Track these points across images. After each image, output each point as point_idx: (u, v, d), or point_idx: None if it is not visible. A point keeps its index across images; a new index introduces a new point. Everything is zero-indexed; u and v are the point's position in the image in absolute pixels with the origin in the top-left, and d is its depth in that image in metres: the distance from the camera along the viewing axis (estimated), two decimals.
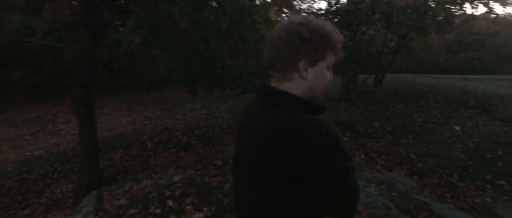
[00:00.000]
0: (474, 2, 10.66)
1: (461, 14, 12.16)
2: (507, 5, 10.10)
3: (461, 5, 11.16)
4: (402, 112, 7.31)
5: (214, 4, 2.74)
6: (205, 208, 2.75)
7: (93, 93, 4.10)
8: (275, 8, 2.37)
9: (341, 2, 8.76)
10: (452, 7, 11.32)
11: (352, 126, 6.93)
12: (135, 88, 13.68)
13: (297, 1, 11.20)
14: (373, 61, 12.01)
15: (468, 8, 11.00)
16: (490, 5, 10.34)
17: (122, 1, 5.20)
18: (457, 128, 5.97)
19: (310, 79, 0.85)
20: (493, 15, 11.36)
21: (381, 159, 4.69)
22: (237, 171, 0.99)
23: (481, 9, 10.19)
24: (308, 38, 0.81)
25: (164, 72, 3.16)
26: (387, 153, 4.93)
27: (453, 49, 34.41)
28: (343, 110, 8.54)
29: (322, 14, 10.42)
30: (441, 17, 11.37)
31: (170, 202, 2.87)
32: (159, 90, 13.75)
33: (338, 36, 0.86)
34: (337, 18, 9.49)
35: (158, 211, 2.79)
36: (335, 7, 10.00)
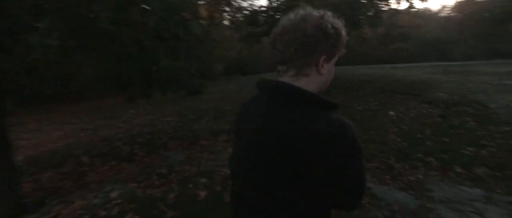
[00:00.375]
0: None
1: (388, 9, 13.32)
2: (425, 0, 11.26)
3: (387, 0, 12.23)
4: (344, 103, 7.71)
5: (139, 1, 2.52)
6: None
7: (11, 106, 3.54)
8: (207, 6, 2.24)
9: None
10: (380, 3, 12.34)
11: None
12: (68, 98, 12.41)
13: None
14: None
15: (393, 3, 12.12)
16: (410, 0, 11.48)
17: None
18: (392, 113, 6.47)
19: (325, 74, 0.87)
20: (413, 9, 12.56)
21: None
22: (241, 171, 0.94)
23: (404, 4, 11.19)
24: (331, 34, 0.83)
25: (89, 78, 2.82)
26: None
27: (383, 41, 37.81)
28: None
29: (263, 12, 10.57)
30: (372, 13, 12.34)
31: None
32: (97, 98, 12.66)
33: (345, 33, 0.89)
34: (278, 15, 9.69)
35: None
36: (275, 4, 10.20)
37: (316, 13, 0.85)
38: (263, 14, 10.46)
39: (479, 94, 7.05)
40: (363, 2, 11.25)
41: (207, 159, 4.40)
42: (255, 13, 10.23)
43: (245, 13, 11.60)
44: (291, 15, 0.87)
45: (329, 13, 0.87)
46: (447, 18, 36.10)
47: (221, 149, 4.88)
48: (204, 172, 3.76)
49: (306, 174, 0.79)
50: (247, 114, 0.94)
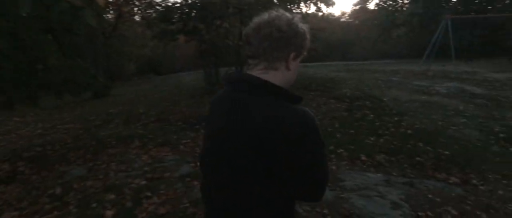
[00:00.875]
0: (308, 2, 12.73)
1: (299, 13, 14.29)
2: (330, 5, 12.44)
3: (298, 4, 13.09)
4: None
5: None
6: None
7: None
8: None
9: None
10: (291, 6, 13.11)
11: None
12: None
13: None
14: (232, 54, 12.66)
15: (303, 7, 13.04)
16: (318, 5, 12.53)
17: None
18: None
19: (292, 71, 0.93)
20: (320, 13, 13.76)
21: None
22: (210, 167, 0.95)
23: (312, 8, 12.15)
24: (301, 33, 0.90)
25: None
26: None
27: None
28: (208, 104, 8.50)
29: (178, 8, 10.04)
30: None
31: None
32: None
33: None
34: (193, 12, 9.33)
35: None
36: (190, 1, 9.81)
37: (287, 14, 0.91)
38: (178, 11, 9.95)
39: (375, 90, 8.10)
40: (275, 3, 11.80)
41: (116, 170, 3.86)
42: (169, 10, 9.64)
43: (158, 9, 10.86)
44: (265, 15, 0.91)
45: (298, 16, 0.93)
46: (347, 23, 40.99)
47: (133, 157, 4.37)
48: (112, 186, 3.28)
49: (276, 166, 0.82)
50: (215, 108, 0.97)
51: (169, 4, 10.41)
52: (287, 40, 0.88)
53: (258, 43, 0.88)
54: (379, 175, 3.75)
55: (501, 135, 4.70)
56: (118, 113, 7.72)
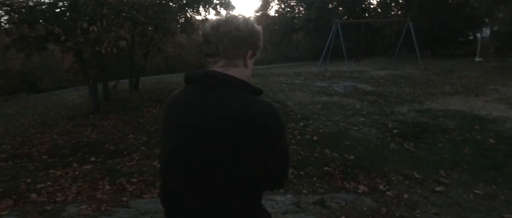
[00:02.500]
0: (207, 6, 12.07)
1: (200, 18, 13.57)
2: (230, 10, 12.06)
3: (197, 9, 12.30)
4: (157, 116, 6.78)
5: None
6: None
7: None
8: None
9: None
10: (189, 9, 12.23)
11: (101, 145, 5.59)
12: None
13: None
14: (121, 63, 11.02)
15: (202, 11, 12.33)
16: (218, 9, 12.01)
17: None
18: None
19: (249, 68, 0.95)
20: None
21: (131, 184, 3.76)
22: (176, 164, 0.92)
23: (212, 12, 11.56)
24: (256, 31, 0.94)
25: None
26: (139, 171, 4.08)
27: (200, 48, 39.94)
28: (91, 127, 6.96)
29: (42, 9, 8.00)
30: (183, 20, 12.06)
31: None
32: None
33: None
34: (65, 12, 7.52)
35: None
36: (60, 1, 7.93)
37: (243, 15, 0.95)
38: (45, 13, 7.93)
39: (279, 94, 7.92)
40: (171, 6, 10.75)
41: None
42: (32, 10, 7.55)
43: (15, 10, 8.50)
44: (221, 16, 0.94)
45: (252, 17, 1.08)
46: None
47: None
48: None
49: (245, 156, 0.83)
50: (178, 106, 0.95)
51: (31, 4, 8.26)
52: (245, 38, 0.91)
53: (217, 41, 0.90)
54: (288, 196, 3.24)
55: (395, 131, 4.86)
56: None
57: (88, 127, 7.03)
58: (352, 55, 15.29)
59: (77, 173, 4.29)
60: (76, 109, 9.35)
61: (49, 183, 3.97)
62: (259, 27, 0.95)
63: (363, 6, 26.65)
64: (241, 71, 0.92)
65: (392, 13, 24.33)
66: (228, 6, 11.72)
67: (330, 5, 25.45)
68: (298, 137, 4.79)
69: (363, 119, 5.69)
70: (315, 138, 4.68)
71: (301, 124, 5.41)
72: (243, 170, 0.83)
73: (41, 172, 4.42)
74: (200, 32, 0.96)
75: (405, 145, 4.35)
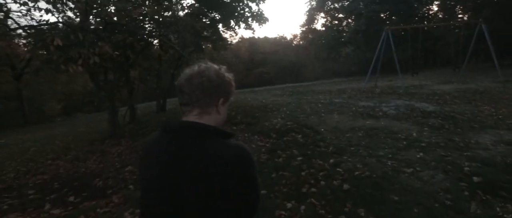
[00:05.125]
0: (237, 21, 11.24)
1: (231, 35, 12.87)
2: (262, 23, 11.10)
3: (228, 23, 11.55)
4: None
5: None
6: None
7: None
8: None
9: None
10: (221, 28, 11.51)
11: (92, 179, 4.82)
12: None
13: None
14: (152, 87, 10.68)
15: (233, 26, 11.53)
16: (249, 23, 11.12)
17: None
18: None
19: (222, 113, 1.05)
20: (271, 37, 12.44)
21: None
22: (155, 206, 0.98)
23: (242, 27, 10.63)
24: (227, 81, 1.04)
25: None
26: None
27: (248, 66, 39.89)
28: (99, 153, 6.34)
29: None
30: (215, 37, 11.42)
31: None
32: None
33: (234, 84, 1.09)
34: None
35: None
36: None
37: (215, 66, 1.04)
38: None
39: (312, 117, 6.50)
40: (203, 22, 10.18)
41: None
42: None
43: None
44: (195, 67, 1.02)
45: (224, 67, 1.06)
46: (297, 45, 41.20)
47: None
48: None
49: (220, 194, 0.89)
50: (154, 152, 1.00)
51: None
52: (216, 87, 1.00)
53: (190, 91, 0.99)
54: None
55: (475, 179, 3.14)
56: None
57: (95, 154, 6.44)
58: (408, 68, 13.08)
59: None
60: (101, 132, 9.02)
61: None
62: (230, 76, 1.05)
63: (421, 13, 23.47)
64: (214, 118, 1.02)
65: (458, 18, 21.13)
66: (261, 18, 10.76)
67: (382, 14, 23.14)
68: (322, 183, 3.37)
69: (421, 154, 4.02)
70: (346, 186, 3.21)
71: (331, 161, 3.96)
72: (217, 209, 0.91)
73: (5, 216, 3.70)
74: (176, 83, 1.03)
75: (497, 208, 2.64)
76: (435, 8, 24.48)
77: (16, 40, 7.96)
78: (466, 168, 3.39)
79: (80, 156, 6.58)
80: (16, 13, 6.41)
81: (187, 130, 0.96)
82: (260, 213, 2.90)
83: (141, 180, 1.04)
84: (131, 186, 4.30)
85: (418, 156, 3.95)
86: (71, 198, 4.17)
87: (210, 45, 11.88)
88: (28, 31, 6.21)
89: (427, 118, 6.02)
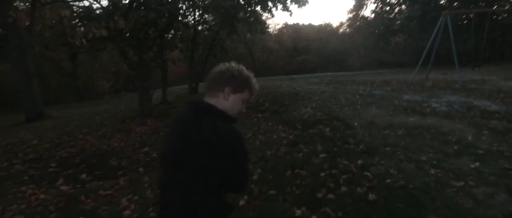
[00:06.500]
0: (275, 2, 10.58)
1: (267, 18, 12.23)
2: (302, 4, 10.33)
3: (265, 8, 10.92)
4: None
5: None
6: None
7: None
8: None
9: None
10: (259, 9, 10.95)
11: (109, 158, 4.78)
12: None
13: None
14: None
15: (271, 7, 10.91)
16: (287, 5, 10.42)
17: None
18: None
19: (229, 102, 1.23)
20: (318, 23, 11.71)
21: None
22: (166, 166, 1.21)
23: (279, 8, 9.98)
24: (235, 75, 1.23)
25: None
26: (97, 213, 2.87)
27: (291, 53, 38.86)
28: (124, 132, 6.36)
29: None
30: (252, 18, 10.91)
31: None
32: None
33: (255, 82, 1.27)
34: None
35: None
36: None
37: (234, 65, 1.26)
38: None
39: (346, 109, 5.80)
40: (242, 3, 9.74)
41: None
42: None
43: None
44: (221, 65, 1.26)
45: (239, 65, 1.26)
46: (344, 33, 39.01)
47: None
48: None
49: (216, 164, 1.09)
50: (175, 122, 1.25)
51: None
52: (224, 78, 1.22)
53: (208, 80, 1.25)
54: None
55: None
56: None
57: (121, 132, 6.47)
58: (469, 60, 11.42)
59: (42, 196, 3.42)
60: (135, 111, 9.18)
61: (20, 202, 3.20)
62: (243, 73, 1.24)
63: None
64: (221, 103, 1.21)
65: None
66: (299, 0, 9.99)
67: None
68: (343, 188, 2.81)
69: (477, 163, 3.23)
70: (372, 195, 2.62)
71: (359, 162, 3.35)
72: (212, 174, 1.10)
73: (21, 187, 3.73)
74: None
75: None
76: None
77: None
78: None
79: (108, 133, 6.68)
80: None
81: (198, 107, 1.19)
82: (263, 217, 2.47)
83: (164, 144, 1.27)
84: (141, 169, 4.13)
85: (473, 166, 3.17)
86: (84, 176, 4.13)
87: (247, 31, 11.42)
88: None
89: (488, 119, 5.01)
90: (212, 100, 1.21)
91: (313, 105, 6.22)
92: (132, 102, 12.83)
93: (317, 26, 44.91)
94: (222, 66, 1.24)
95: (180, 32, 7.53)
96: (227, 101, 1.20)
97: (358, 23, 30.59)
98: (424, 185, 2.78)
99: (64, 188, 3.70)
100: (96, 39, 7.10)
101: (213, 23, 10.13)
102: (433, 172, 3.04)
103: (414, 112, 5.43)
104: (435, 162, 3.28)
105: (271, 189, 2.94)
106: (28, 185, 3.83)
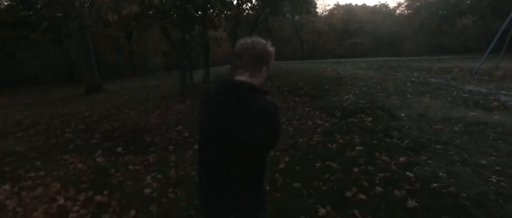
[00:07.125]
0: None
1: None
2: None
3: None
4: None
5: None
6: None
7: None
8: None
9: None
10: None
11: (145, 134, 4.91)
12: None
13: None
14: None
15: None
16: None
17: None
18: None
19: (264, 77, 1.36)
20: (373, 3, 10.85)
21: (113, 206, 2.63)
22: (209, 137, 1.34)
23: None
24: (269, 53, 1.32)
25: None
26: (123, 190, 2.92)
27: (341, 36, 36.86)
28: (163, 109, 6.53)
29: None
30: None
31: None
32: None
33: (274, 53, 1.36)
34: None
35: None
36: None
37: (262, 40, 1.31)
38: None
39: (392, 97, 5.23)
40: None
41: None
42: None
43: None
44: (248, 40, 1.30)
45: (269, 42, 1.32)
46: (401, 14, 35.76)
47: None
48: None
49: (256, 129, 1.22)
50: (213, 99, 1.32)
51: None
52: (261, 58, 1.30)
53: (246, 59, 1.29)
54: None
55: None
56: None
57: (161, 109, 6.67)
58: None
59: (79, 165, 3.61)
60: (176, 89, 9.44)
61: (41, 173, 3.41)
62: (271, 49, 1.32)
63: None
64: (258, 80, 1.32)
65: None
66: None
67: None
68: (378, 189, 2.46)
69: None
70: (411, 202, 2.25)
71: (401, 160, 2.94)
72: (254, 138, 1.23)
73: (55, 158, 3.99)
74: (235, 50, 1.34)
75: None
76: None
77: None
78: None
79: (149, 108, 6.94)
80: None
81: (241, 86, 1.28)
82: (282, 214, 2.26)
83: (200, 120, 1.37)
84: (171, 147, 4.16)
85: None
86: (119, 149, 4.29)
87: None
88: None
89: None
90: (251, 79, 1.30)
91: (356, 91, 5.72)
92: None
93: (371, 7, 41.72)
94: (255, 45, 1.29)
95: (218, 11, 7.37)
96: (262, 78, 1.34)
97: (418, 3, 27.71)
98: (481, 195, 2.31)
99: (100, 159, 3.87)
100: (131, 16, 7.31)
101: (255, 2, 9.81)
102: (494, 180, 2.53)
103: (477, 105, 4.68)
104: (498, 168, 2.73)
105: (296, 181, 2.70)
106: (71, 154, 4.08)
